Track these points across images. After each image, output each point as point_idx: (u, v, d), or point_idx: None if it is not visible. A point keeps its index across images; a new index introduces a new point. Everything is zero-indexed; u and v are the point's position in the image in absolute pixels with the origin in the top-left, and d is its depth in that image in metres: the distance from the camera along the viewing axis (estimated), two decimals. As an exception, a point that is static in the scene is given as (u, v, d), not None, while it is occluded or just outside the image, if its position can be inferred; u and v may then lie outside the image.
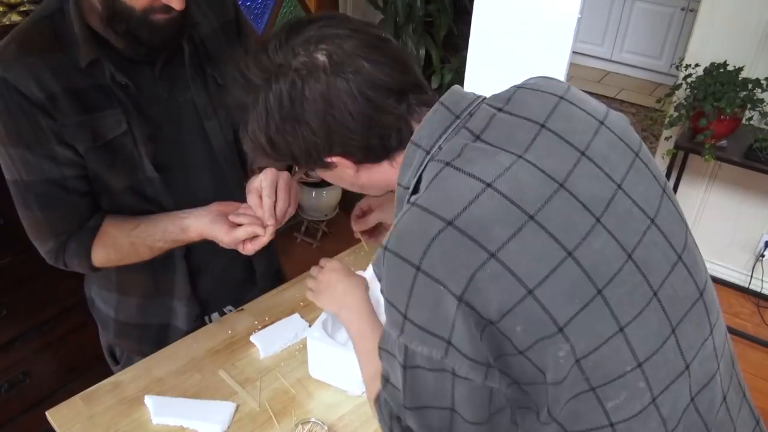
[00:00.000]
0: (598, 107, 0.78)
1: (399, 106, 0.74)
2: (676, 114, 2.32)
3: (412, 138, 0.74)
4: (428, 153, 0.73)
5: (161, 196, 1.13)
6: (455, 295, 0.64)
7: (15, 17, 1.61)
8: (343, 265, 1.09)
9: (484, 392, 0.70)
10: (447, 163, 0.70)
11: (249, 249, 1.08)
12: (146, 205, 1.13)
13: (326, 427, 1.04)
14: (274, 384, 1.15)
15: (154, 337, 1.28)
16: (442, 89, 2.95)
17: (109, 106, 1.04)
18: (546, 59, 1.15)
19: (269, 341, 1.22)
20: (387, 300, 0.70)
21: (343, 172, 0.80)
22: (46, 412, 1.08)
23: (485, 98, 0.77)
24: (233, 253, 1.22)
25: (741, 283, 2.79)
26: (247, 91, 0.75)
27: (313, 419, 1.05)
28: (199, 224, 1.09)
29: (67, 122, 1.01)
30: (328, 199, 2.99)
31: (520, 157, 0.69)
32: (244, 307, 1.33)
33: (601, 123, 0.75)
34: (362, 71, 0.71)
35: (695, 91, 2.28)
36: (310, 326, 1.26)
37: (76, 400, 1.11)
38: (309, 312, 1.30)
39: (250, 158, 1.21)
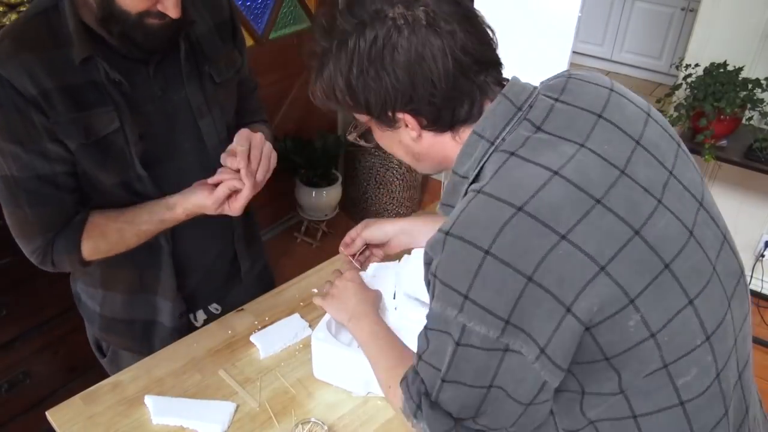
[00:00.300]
0: (641, 101, 0.84)
1: (478, 78, 0.76)
2: (676, 114, 2.32)
3: (475, 128, 0.77)
4: (492, 144, 0.76)
5: (151, 192, 1.13)
6: (525, 275, 0.67)
7: (15, 17, 1.61)
8: (360, 277, 1.13)
9: (532, 373, 0.71)
10: (512, 153, 0.73)
11: (235, 207, 1.08)
12: (137, 200, 1.13)
13: (326, 427, 1.04)
14: (274, 384, 1.15)
15: (140, 333, 1.28)
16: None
17: (101, 104, 1.04)
18: (547, 58, 1.15)
19: (269, 341, 1.22)
20: (443, 282, 0.72)
21: (405, 135, 0.81)
22: (46, 412, 1.08)
23: (539, 88, 0.80)
24: (219, 250, 1.22)
25: (741, 283, 2.80)
26: (331, 36, 0.76)
27: (313, 419, 1.05)
28: (182, 200, 1.09)
29: (59, 119, 1.01)
30: (328, 199, 2.99)
31: (582, 146, 0.72)
32: (244, 307, 1.33)
33: (648, 115, 0.81)
34: (456, 35, 0.73)
35: (695, 91, 2.28)
36: (310, 326, 1.26)
37: (76, 400, 1.11)
38: (309, 312, 1.30)
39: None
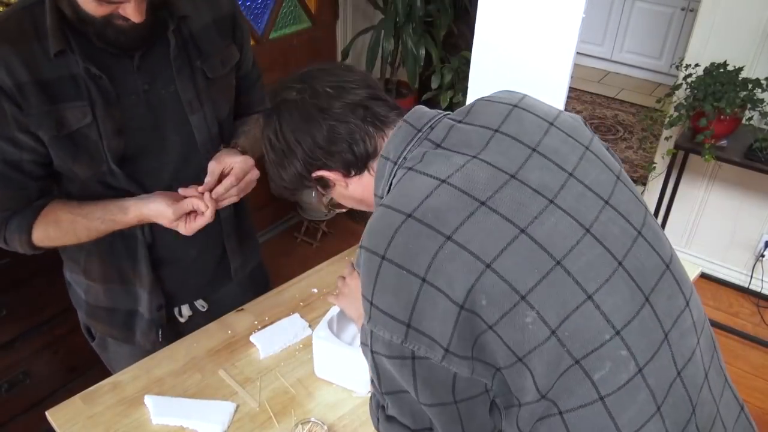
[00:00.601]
0: (550, 111, 0.87)
1: (363, 118, 0.85)
2: (676, 114, 2.32)
3: (381, 153, 0.85)
4: (395, 163, 0.82)
5: (126, 187, 1.13)
6: (418, 276, 0.70)
7: (15, 17, 1.61)
8: None
9: (444, 373, 0.73)
10: (409, 168, 0.79)
11: (190, 227, 1.09)
12: (112, 194, 1.13)
13: (326, 427, 1.04)
14: (274, 384, 1.15)
15: (122, 321, 1.28)
16: (442, 89, 2.95)
17: (76, 98, 1.05)
18: (549, 59, 1.15)
19: (269, 341, 1.22)
20: (362, 293, 0.76)
21: (340, 189, 0.90)
22: (46, 412, 1.08)
23: (447, 114, 0.86)
24: (203, 246, 1.22)
25: (741, 283, 2.79)
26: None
27: (313, 419, 1.05)
28: (138, 205, 1.10)
29: (32, 111, 1.02)
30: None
31: (474, 157, 0.77)
32: (244, 307, 1.33)
33: (551, 124, 0.84)
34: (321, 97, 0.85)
35: (695, 91, 2.27)
36: (310, 326, 1.26)
37: (76, 400, 1.11)
38: (309, 312, 1.30)
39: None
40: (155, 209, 1.09)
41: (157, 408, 1.07)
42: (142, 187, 1.13)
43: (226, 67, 1.21)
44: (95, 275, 1.24)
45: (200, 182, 1.13)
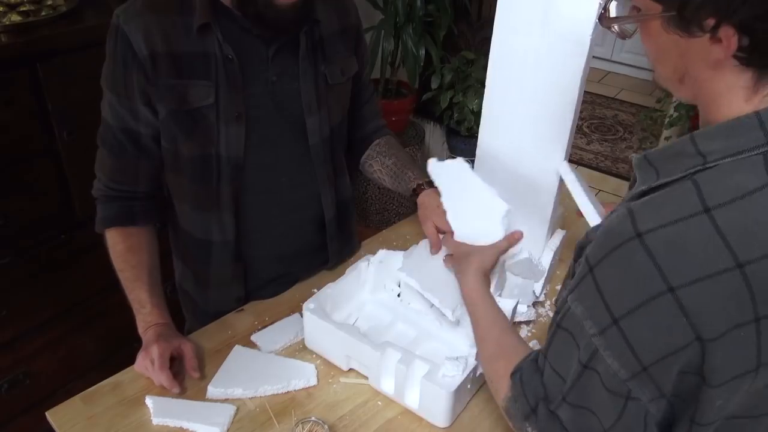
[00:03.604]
0: None
1: None
2: (676, 114, 2.32)
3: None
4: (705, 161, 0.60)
5: (231, 177, 1.17)
6: (699, 336, 0.57)
7: (15, 17, 1.61)
8: (467, 246, 1.11)
9: (643, 410, 0.64)
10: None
11: (155, 377, 1.11)
12: (208, 177, 1.17)
13: (326, 426, 1.04)
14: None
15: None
16: (442, 89, 2.95)
17: (204, 76, 1.08)
18: (561, 62, 1.15)
19: (269, 341, 1.22)
20: (598, 287, 0.61)
21: (700, 51, 0.60)
22: (46, 412, 1.08)
23: None
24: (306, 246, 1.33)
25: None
26: None
27: (313, 418, 1.05)
28: (147, 326, 1.16)
29: (159, 82, 1.07)
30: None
31: None
32: (244, 307, 1.33)
33: None
34: None
35: (695, 91, 2.28)
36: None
37: (76, 400, 1.11)
38: (309, 312, 1.30)
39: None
40: (149, 345, 1.11)
41: (157, 409, 1.07)
42: (245, 180, 1.19)
43: (345, 76, 1.25)
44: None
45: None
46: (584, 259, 0.64)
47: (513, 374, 0.78)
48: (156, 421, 1.06)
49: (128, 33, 1.05)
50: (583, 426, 0.69)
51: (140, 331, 1.17)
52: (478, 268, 1.03)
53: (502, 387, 0.81)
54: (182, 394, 1.11)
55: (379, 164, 1.37)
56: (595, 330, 0.63)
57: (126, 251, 1.20)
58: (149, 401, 1.08)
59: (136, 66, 1.06)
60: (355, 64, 1.28)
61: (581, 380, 0.67)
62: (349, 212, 1.41)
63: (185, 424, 1.05)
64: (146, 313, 1.17)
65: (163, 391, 1.12)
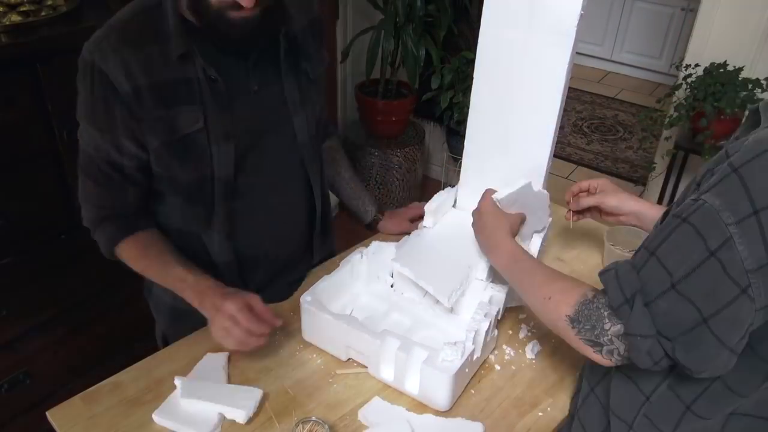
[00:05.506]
0: None
1: None
2: (676, 114, 2.32)
3: None
4: None
5: (224, 192, 1.16)
6: None
7: (15, 17, 1.61)
8: (494, 204, 1.16)
9: (749, 317, 0.69)
10: None
11: (228, 342, 1.08)
12: (201, 208, 1.17)
13: (327, 426, 1.04)
14: (274, 384, 1.15)
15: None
16: (442, 89, 2.95)
17: (189, 102, 1.07)
18: (547, 58, 1.16)
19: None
20: (743, 181, 0.67)
21: None
22: (46, 412, 1.08)
23: None
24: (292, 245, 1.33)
25: (741, 283, 2.79)
26: None
27: (313, 418, 1.05)
28: (198, 290, 1.12)
29: (145, 116, 1.06)
30: (328, 199, 2.99)
31: None
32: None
33: None
34: None
35: (695, 91, 2.28)
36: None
37: (76, 400, 1.11)
38: (309, 312, 1.30)
39: None
40: (209, 312, 1.09)
41: (185, 389, 1.07)
42: (241, 186, 1.17)
43: (321, 67, 1.25)
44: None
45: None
46: (726, 165, 0.69)
47: (603, 273, 0.82)
48: (183, 402, 1.06)
49: (107, 71, 1.02)
50: (677, 318, 0.72)
51: (196, 303, 1.12)
52: (510, 231, 1.12)
53: (567, 299, 0.85)
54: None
55: (333, 171, 1.44)
56: (732, 219, 0.67)
57: (143, 250, 1.19)
58: (178, 382, 1.08)
59: (119, 103, 1.04)
60: (326, 55, 1.28)
61: (701, 268, 0.70)
62: (329, 206, 1.43)
63: (212, 407, 1.05)
64: (192, 281, 1.13)
65: (162, 391, 1.12)
